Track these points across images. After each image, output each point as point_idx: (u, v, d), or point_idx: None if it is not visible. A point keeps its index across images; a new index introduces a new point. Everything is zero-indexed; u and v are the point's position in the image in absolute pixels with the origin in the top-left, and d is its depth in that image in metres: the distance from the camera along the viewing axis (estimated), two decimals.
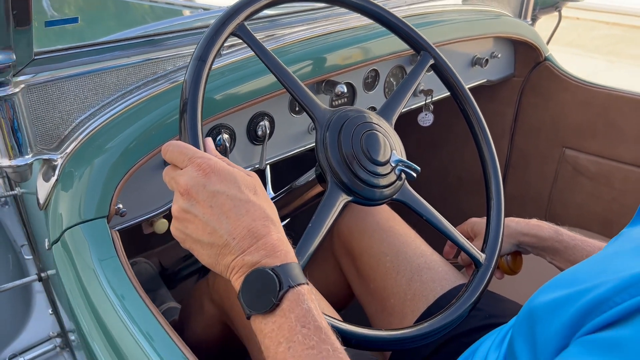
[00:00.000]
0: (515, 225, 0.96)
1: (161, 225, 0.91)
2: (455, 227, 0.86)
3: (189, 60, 0.84)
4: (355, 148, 0.75)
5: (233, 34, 0.74)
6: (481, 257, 0.84)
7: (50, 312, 1.49)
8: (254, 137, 0.97)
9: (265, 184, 1.14)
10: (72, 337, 1.19)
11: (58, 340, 1.56)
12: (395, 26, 0.91)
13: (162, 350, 0.59)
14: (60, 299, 1.01)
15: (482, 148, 0.93)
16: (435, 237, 1.10)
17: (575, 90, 1.43)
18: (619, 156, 1.40)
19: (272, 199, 0.98)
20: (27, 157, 0.72)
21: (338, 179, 0.75)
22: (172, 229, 0.61)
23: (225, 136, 0.91)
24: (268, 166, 1.10)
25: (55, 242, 0.74)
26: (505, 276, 1.02)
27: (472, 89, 1.34)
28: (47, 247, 0.78)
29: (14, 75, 0.68)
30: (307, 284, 0.56)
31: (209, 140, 0.67)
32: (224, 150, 0.91)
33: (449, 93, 0.99)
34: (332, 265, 1.13)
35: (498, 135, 1.57)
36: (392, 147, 0.79)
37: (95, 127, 0.77)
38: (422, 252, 1.00)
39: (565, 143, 1.49)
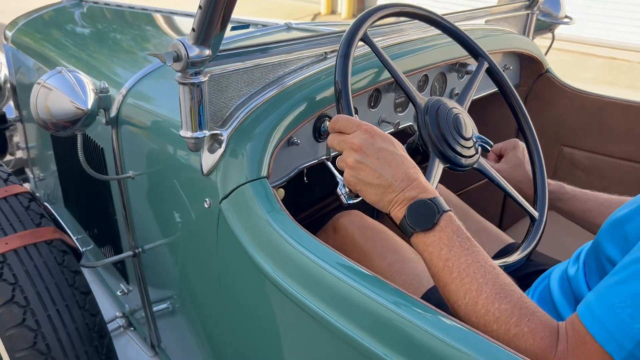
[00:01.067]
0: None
1: (280, 193, 1.11)
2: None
3: (305, 62, 1.07)
4: (449, 126, 0.99)
5: (361, 39, 0.97)
6: (535, 214, 1.09)
7: (120, 293, 1.64)
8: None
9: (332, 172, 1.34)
10: (167, 305, 1.36)
11: (122, 320, 1.72)
12: (463, 40, 1.16)
13: (347, 274, 0.79)
14: (184, 258, 1.18)
15: (525, 131, 1.19)
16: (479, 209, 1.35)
17: (572, 97, 1.72)
18: (609, 152, 1.69)
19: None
20: (204, 131, 0.92)
21: (437, 149, 0.98)
22: (346, 176, 0.83)
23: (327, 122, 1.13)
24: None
25: (225, 198, 0.94)
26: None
27: (487, 96, 1.62)
28: (207, 206, 0.98)
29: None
30: (452, 211, 0.79)
31: (356, 116, 0.89)
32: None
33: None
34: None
35: (506, 136, 1.84)
36: (471, 127, 1.03)
37: (248, 112, 0.98)
38: (477, 219, 1.24)
39: (563, 142, 1.78)
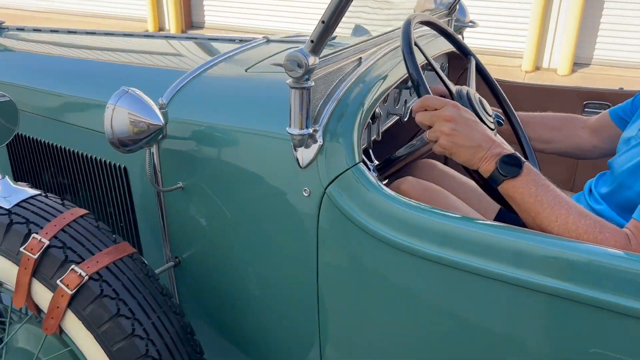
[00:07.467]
0: None
1: None
2: None
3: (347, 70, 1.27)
4: (479, 106, 1.26)
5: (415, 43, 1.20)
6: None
7: None
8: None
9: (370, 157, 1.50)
10: (206, 316, 1.43)
11: None
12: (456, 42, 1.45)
13: (456, 219, 1.01)
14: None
15: (507, 112, 1.50)
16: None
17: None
18: None
19: (376, 166, 1.41)
20: (309, 129, 1.07)
21: None
22: (442, 142, 1.06)
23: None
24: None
25: (330, 183, 1.09)
26: None
27: None
28: (307, 194, 1.12)
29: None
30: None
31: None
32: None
33: None
34: None
35: None
36: (489, 107, 1.32)
37: (331, 110, 1.15)
38: (469, 182, 1.52)
39: None
